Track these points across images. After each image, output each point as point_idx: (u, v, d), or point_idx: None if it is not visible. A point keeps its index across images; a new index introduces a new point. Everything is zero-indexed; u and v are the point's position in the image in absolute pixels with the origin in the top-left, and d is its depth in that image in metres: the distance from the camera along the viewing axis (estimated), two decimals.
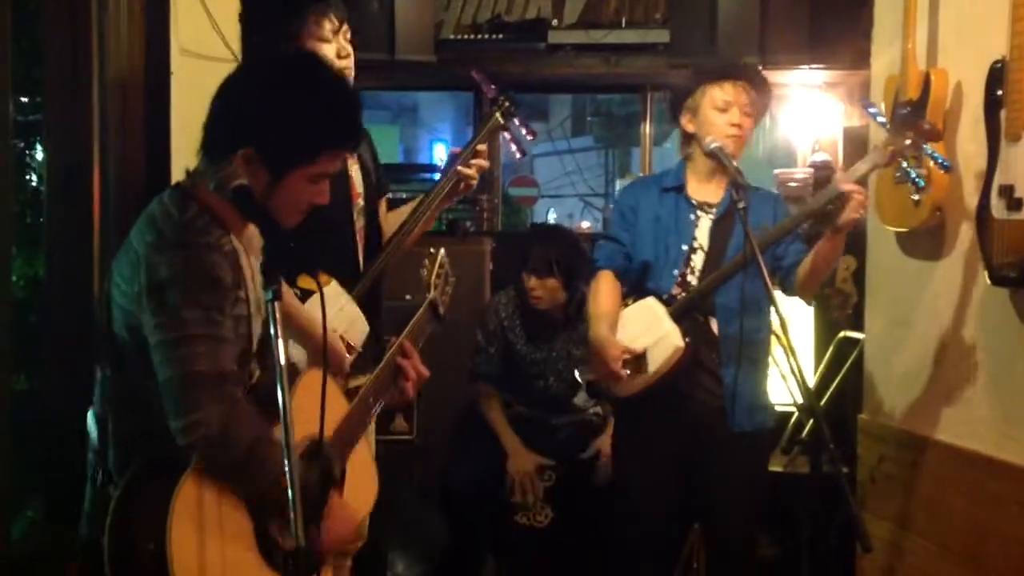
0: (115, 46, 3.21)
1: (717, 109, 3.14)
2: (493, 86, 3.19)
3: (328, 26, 2.89)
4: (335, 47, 2.91)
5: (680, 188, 3.26)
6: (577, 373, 3.53)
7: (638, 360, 3.12)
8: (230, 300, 2.01)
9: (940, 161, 2.95)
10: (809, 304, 3.32)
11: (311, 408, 2.01)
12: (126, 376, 2.05)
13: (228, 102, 2.08)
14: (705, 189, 3.26)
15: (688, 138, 3.27)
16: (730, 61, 3.23)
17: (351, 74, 2.92)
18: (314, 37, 2.88)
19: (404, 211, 3.11)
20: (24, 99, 3.66)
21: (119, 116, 3.24)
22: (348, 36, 2.95)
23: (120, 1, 3.24)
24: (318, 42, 2.88)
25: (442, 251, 2.77)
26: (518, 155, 3.30)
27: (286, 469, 1.78)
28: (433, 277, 2.70)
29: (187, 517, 1.92)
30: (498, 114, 3.09)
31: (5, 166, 2.77)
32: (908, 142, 2.88)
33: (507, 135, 3.20)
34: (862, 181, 3.00)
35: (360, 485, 2.35)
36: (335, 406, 2.29)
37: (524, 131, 3.20)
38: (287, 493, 1.76)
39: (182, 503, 1.92)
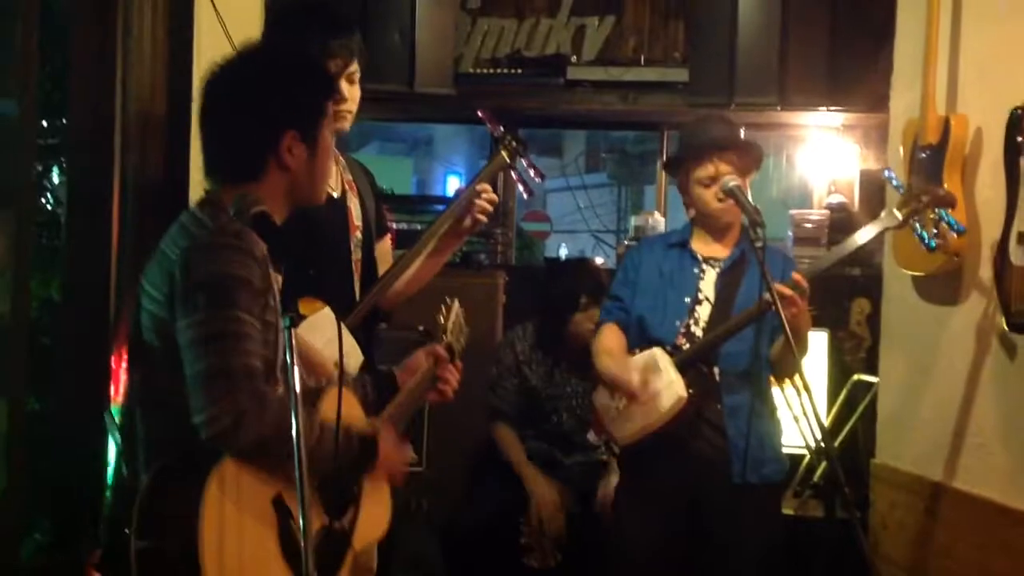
0: (138, 71, 3.24)
1: (702, 185, 3.17)
2: (501, 125, 3.15)
3: (333, 68, 2.73)
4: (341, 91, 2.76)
5: (684, 244, 3.27)
6: (590, 436, 3.47)
7: (645, 380, 3.10)
8: (259, 303, 2.05)
9: (954, 225, 2.95)
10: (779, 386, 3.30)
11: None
12: (156, 381, 2.11)
13: (246, 108, 2.18)
14: (712, 247, 3.26)
15: (688, 202, 3.29)
16: (708, 136, 3.20)
17: (350, 120, 2.81)
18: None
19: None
20: (43, 123, 3.69)
21: (140, 140, 3.26)
22: (357, 79, 2.81)
23: (144, 27, 3.27)
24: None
25: (456, 301, 2.78)
26: (525, 195, 3.28)
27: (299, 505, 1.82)
28: (450, 324, 2.72)
29: (216, 515, 1.95)
30: (504, 153, 3.06)
31: (29, 188, 2.79)
32: (922, 204, 2.90)
33: (513, 175, 3.17)
34: (875, 239, 3.01)
35: (374, 511, 2.38)
36: (357, 414, 2.36)
37: (532, 172, 3.17)
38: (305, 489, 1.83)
39: (211, 501, 1.95)
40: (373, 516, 2.37)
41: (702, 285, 3.21)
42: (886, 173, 3.34)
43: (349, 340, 2.71)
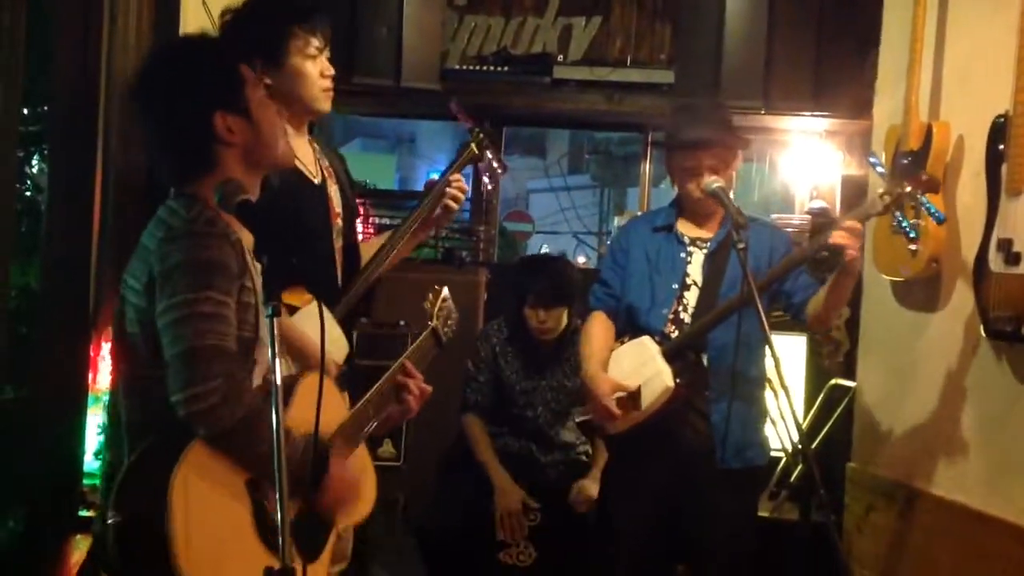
0: (122, 59, 3.23)
1: (686, 174, 3.19)
2: (470, 118, 3.21)
3: (315, 43, 2.76)
4: (319, 66, 2.79)
5: (670, 227, 3.28)
6: (574, 416, 3.48)
7: (631, 398, 3.11)
8: (236, 286, 2.10)
9: (934, 212, 2.94)
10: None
11: (311, 408, 2.07)
12: (139, 369, 2.14)
13: (168, 118, 2.19)
14: (698, 226, 3.27)
15: (673, 182, 3.33)
16: (691, 131, 3.20)
17: (331, 96, 2.82)
18: (300, 53, 2.75)
19: (377, 241, 3.04)
20: (25, 110, 3.66)
21: (122, 128, 3.25)
22: (318, 53, 2.80)
23: (130, 16, 3.26)
24: (303, 58, 2.75)
25: (445, 289, 2.80)
26: (489, 185, 3.31)
27: (276, 484, 1.83)
28: (436, 309, 2.73)
29: (185, 489, 1.98)
30: (473, 145, 3.10)
31: (10, 176, 2.77)
32: (905, 192, 2.88)
33: (480, 166, 3.22)
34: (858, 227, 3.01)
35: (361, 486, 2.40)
36: (336, 408, 2.38)
37: (495, 164, 3.22)
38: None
39: (181, 476, 1.98)
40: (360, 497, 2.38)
41: (690, 269, 3.23)
42: (871, 159, 3.34)
43: (336, 331, 2.73)
